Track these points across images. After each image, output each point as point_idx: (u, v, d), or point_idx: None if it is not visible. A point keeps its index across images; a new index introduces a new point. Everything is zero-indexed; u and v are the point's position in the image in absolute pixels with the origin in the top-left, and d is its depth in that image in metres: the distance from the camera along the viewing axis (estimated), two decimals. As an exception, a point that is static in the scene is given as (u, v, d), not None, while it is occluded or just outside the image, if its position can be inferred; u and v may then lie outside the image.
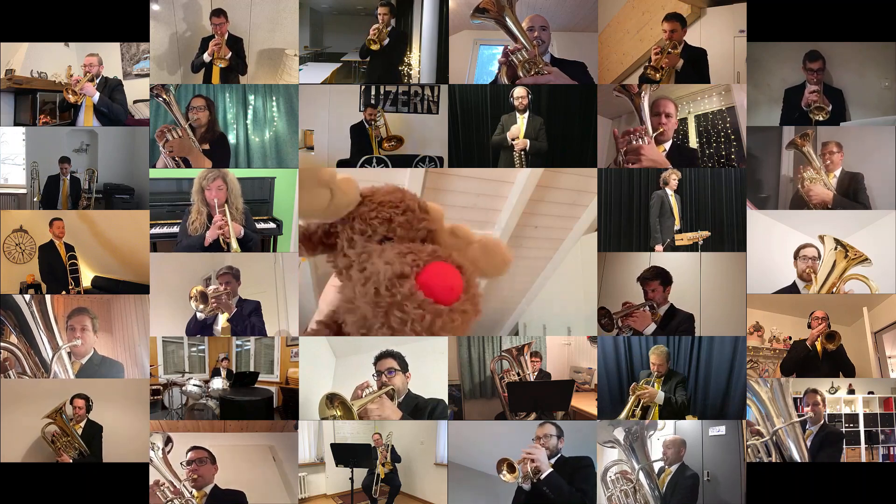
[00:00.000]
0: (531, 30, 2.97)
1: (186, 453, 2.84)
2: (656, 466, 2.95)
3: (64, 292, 3.00)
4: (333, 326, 1.65)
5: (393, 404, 2.59)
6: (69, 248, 3.01)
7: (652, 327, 3.03)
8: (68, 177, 3.07)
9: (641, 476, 2.89)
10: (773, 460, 2.92)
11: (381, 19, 3.18)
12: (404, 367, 2.71)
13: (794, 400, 2.97)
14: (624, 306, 3.03)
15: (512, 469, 2.59)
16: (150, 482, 2.80)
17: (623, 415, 2.96)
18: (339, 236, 1.55)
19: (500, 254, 1.66)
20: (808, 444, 2.93)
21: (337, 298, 1.60)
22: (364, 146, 3.23)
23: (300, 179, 1.46)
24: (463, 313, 1.37)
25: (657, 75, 2.97)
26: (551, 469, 2.60)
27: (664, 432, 2.99)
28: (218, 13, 3.10)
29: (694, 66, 3.00)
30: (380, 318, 1.36)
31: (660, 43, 2.99)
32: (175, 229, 3.19)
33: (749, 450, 2.92)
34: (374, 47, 3.17)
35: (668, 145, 3.05)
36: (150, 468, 2.82)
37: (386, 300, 1.34)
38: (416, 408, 2.71)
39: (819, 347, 2.98)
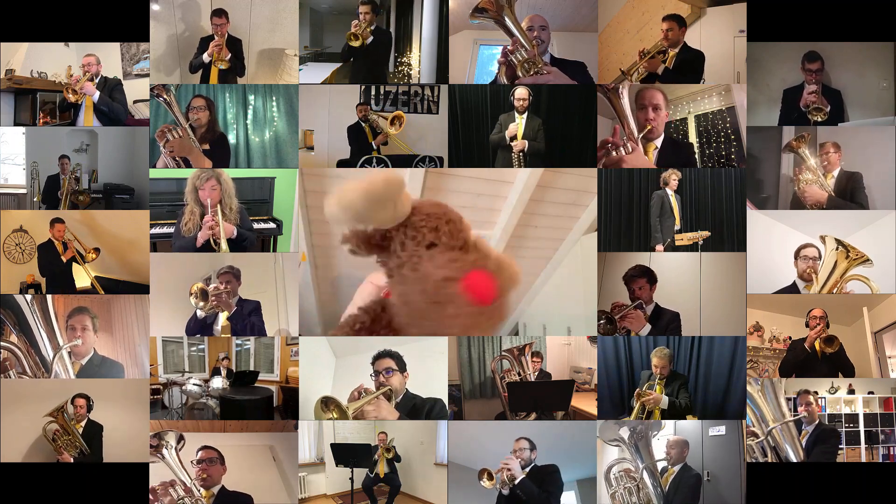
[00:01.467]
0: (531, 29, 2.97)
1: (197, 452, 2.85)
2: (660, 466, 2.96)
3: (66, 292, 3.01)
4: (372, 312, 1.91)
5: (390, 405, 2.62)
6: (67, 247, 3.01)
7: (647, 328, 3.03)
8: (68, 175, 3.07)
9: (645, 475, 2.92)
10: (770, 460, 2.92)
11: (362, 17, 3.17)
12: (402, 366, 2.72)
13: (791, 401, 2.97)
14: (614, 307, 3.03)
15: (490, 477, 2.89)
16: (159, 481, 2.80)
17: (632, 418, 2.99)
18: (393, 240, 1.79)
19: (512, 270, 1.86)
20: (804, 443, 2.93)
21: (375, 292, 1.96)
22: (363, 145, 3.22)
23: (373, 190, 1.71)
24: (490, 318, 1.65)
25: (634, 79, 2.97)
26: (524, 476, 2.89)
27: (665, 431, 3.00)
28: (219, 13, 3.10)
29: (690, 66, 3.00)
30: (431, 313, 1.62)
31: (656, 46, 2.98)
32: (176, 229, 3.19)
33: (748, 450, 2.92)
34: (355, 43, 3.14)
35: (660, 142, 3.03)
36: (153, 467, 2.82)
37: (434, 298, 1.60)
38: (413, 408, 2.72)
39: (818, 348, 2.98)
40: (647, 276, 3.03)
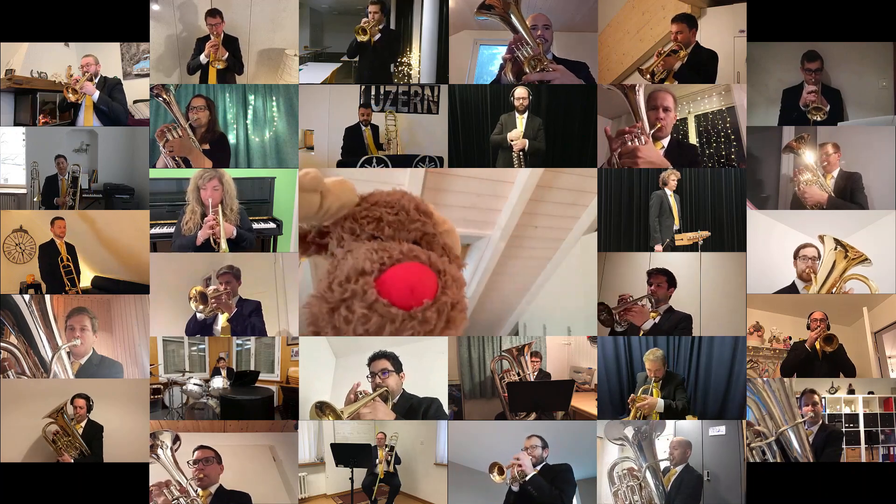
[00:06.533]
0: (534, 28, 2.97)
1: (193, 452, 2.84)
2: (662, 466, 2.96)
3: (64, 292, 3.00)
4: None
5: (386, 407, 2.60)
6: (70, 247, 3.01)
7: (650, 322, 3.03)
8: (66, 175, 3.07)
9: (648, 474, 2.92)
10: (778, 461, 2.91)
11: (371, 17, 3.17)
12: (398, 367, 2.72)
13: (797, 400, 2.98)
14: (621, 299, 3.03)
15: (501, 472, 2.84)
16: (155, 481, 2.79)
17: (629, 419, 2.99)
18: (331, 236, 1.45)
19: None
20: (811, 442, 2.93)
21: None
22: (358, 147, 3.22)
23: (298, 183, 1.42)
24: (423, 322, 1.20)
25: (654, 78, 2.97)
26: (535, 472, 2.85)
27: (666, 431, 3.00)
28: (213, 13, 3.09)
29: (704, 66, 2.99)
30: (325, 315, 1.21)
31: (662, 43, 2.98)
32: (176, 229, 3.19)
33: (753, 451, 2.92)
34: (363, 37, 3.14)
35: (666, 141, 3.03)
36: (151, 467, 2.82)
37: (336, 297, 1.21)
38: (410, 408, 2.72)
39: (819, 348, 2.98)
40: (667, 275, 3.06)
